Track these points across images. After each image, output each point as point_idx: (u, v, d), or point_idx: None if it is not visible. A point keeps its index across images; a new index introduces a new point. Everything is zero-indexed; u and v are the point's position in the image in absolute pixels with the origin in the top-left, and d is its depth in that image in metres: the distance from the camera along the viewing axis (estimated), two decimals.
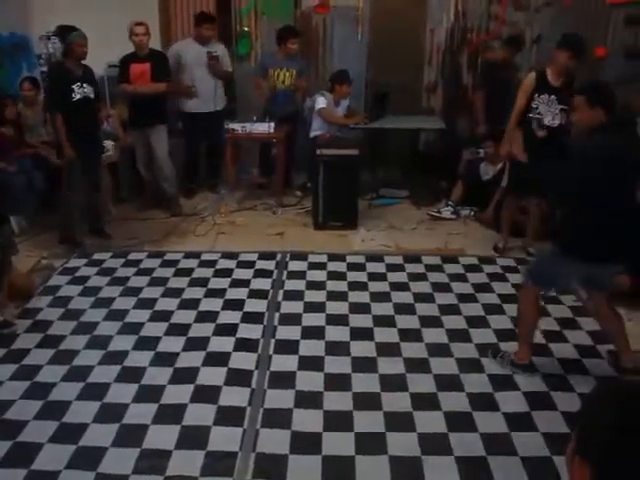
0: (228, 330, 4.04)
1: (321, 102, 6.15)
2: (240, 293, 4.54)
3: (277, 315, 4.24)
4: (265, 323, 4.14)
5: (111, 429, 3.12)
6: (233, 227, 5.90)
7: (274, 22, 6.61)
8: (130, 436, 3.07)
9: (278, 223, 5.99)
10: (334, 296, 4.50)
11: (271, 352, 3.80)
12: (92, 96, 5.22)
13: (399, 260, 5.10)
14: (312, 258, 5.11)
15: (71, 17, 5.67)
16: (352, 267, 4.97)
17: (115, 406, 3.29)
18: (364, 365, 3.67)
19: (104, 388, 3.44)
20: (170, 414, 3.24)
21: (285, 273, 4.87)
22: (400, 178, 6.85)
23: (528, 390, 3.45)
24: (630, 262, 3.55)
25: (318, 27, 7.05)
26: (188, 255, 5.18)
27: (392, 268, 4.97)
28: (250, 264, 5.01)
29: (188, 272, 4.88)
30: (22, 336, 3.98)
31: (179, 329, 4.06)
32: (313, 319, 4.18)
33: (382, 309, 4.33)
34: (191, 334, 4.00)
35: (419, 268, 4.96)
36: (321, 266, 4.98)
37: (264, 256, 5.15)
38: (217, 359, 3.72)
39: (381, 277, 4.82)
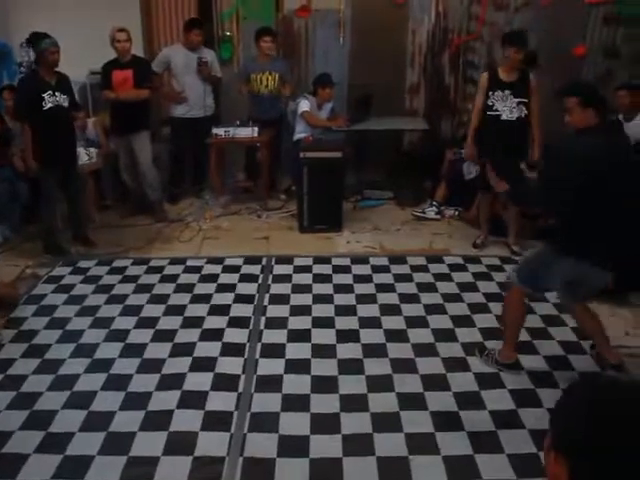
0: (214, 335, 4.03)
1: (304, 105, 6.16)
2: (226, 298, 4.53)
3: (263, 319, 4.24)
4: (251, 327, 4.14)
5: (98, 437, 3.11)
6: (218, 232, 5.89)
7: (256, 26, 6.61)
8: (117, 444, 3.07)
9: (263, 227, 5.99)
10: (320, 299, 4.51)
11: (257, 356, 3.81)
12: (65, 105, 5.15)
13: (384, 261, 5.12)
14: (297, 261, 5.12)
15: (52, 24, 5.65)
16: (337, 269, 4.98)
17: (101, 414, 3.28)
18: (350, 367, 3.68)
19: (90, 396, 3.42)
20: (157, 421, 3.23)
21: (271, 277, 4.87)
22: (384, 179, 6.87)
23: (514, 387, 3.47)
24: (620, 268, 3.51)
25: (300, 30, 7.06)
26: (173, 261, 5.17)
27: (377, 269, 4.98)
28: (236, 269, 5.01)
29: (173, 278, 4.87)
30: (7, 346, 3.96)
31: (165, 335, 4.05)
32: (299, 322, 4.19)
33: (368, 311, 4.34)
34: (177, 340, 3.99)
35: (404, 269, 4.98)
36: (307, 269, 4.98)
37: (249, 260, 5.15)
38: (203, 364, 3.71)
39: (367, 279, 4.83)
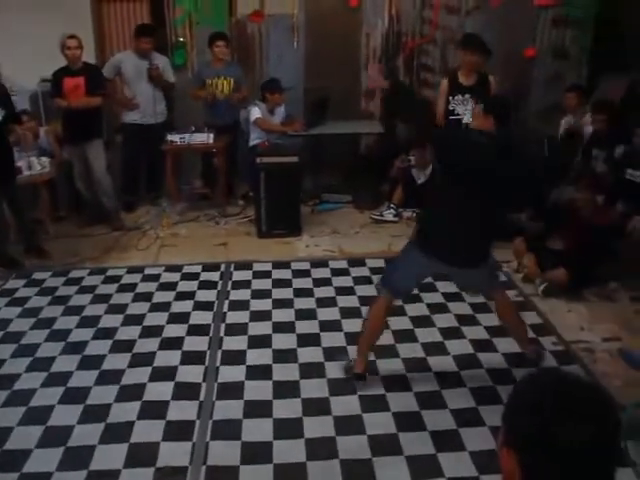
0: (174, 344, 3.99)
1: (255, 112, 6.16)
2: (185, 306, 4.49)
3: (223, 326, 4.21)
4: (211, 334, 4.10)
5: (56, 453, 3.04)
6: (176, 239, 5.83)
7: (209, 31, 6.57)
8: (76, 459, 3.01)
9: (221, 233, 5.95)
10: (280, 304, 4.50)
11: (218, 363, 3.78)
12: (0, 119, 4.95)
13: (344, 265, 5.14)
14: (257, 267, 5.10)
15: (1, 31, 5.55)
16: (297, 274, 4.98)
17: (59, 429, 3.22)
18: (312, 371, 3.68)
19: (47, 411, 3.35)
20: (117, 433, 3.18)
21: (230, 283, 4.84)
22: (342, 183, 6.89)
23: (473, 385, 3.51)
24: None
25: (254, 35, 7.05)
26: (131, 270, 5.10)
27: (337, 273, 4.99)
28: (194, 276, 4.96)
29: (131, 287, 4.80)
30: None
31: (124, 346, 3.99)
32: (259, 328, 4.17)
33: (328, 314, 4.34)
34: (136, 350, 3.94)
35: (364, 271, 5.00)
36: (266, 274, 4.97)
37: (208, 267, 5.11)
38: (164, 374, 3.67)
39: (326, 282, 4.84)
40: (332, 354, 3.85)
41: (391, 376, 3.62)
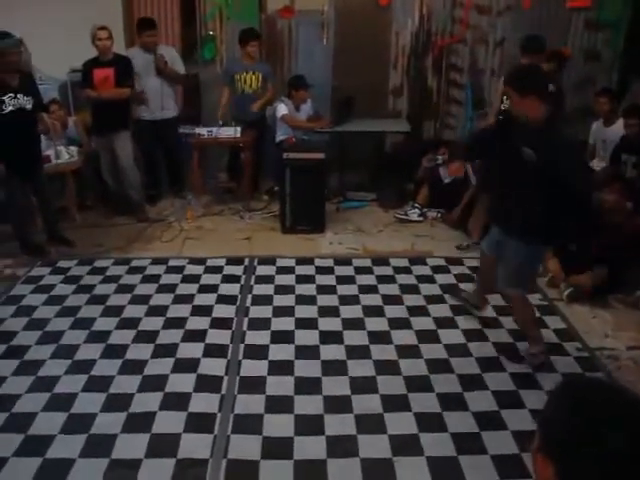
0: (197, 336, 4.00)
1: (282, 109, 6.17)
2: (208, 299, 4.50)
3: (246, 320, 4.22)
4: (234, 328, 4.11)
5: (79, 440, 3.07)
6: (200, 232, 5.85)
7: (239, 26, 6.58)
8: (98, 446, 3.03)
9: (246, 228, 5.96)
10: (303, 300, 4.49)
11: (240, 357, 3.78)
12: (29, 107, 4.94)
13: (367, 263, 5.12)
14: (280, 262, 5.10)
15: (33, 21, 5.60)
16: (320, 271, 4.98)
17: (82, 416, 3.24)
18: (334, 368, 3.67)
19: (71, 398, 3.38)
20: (139, 422, 3.20)
21: (253, 278, 4.85)
22: (367, 181, 6.88)
23: (497, 389, 3.49)
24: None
25: (283, 31, 7.05)
26: (155, 261, 5.13)
27: (360, 271, 4.98)
28: (218, 269, 4.98)
29: (155, 278, 4.83)
30: None
31: (147, 336, 4.01)
32: (282, 323, 4.17)
33: (351, 312, 4.34)
34: (159, 341, 3.96)
35: (387, 270, 4.98)
36: (289, 270, 4.97)
37: (232, 261, 5.12)
38: (186, 366, 3.68)
39: (349, 280, 4.83)
40: (354, 352, 3.84)
41: (413, 376, 3.60)
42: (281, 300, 4.50)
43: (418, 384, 3.53)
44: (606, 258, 4.53)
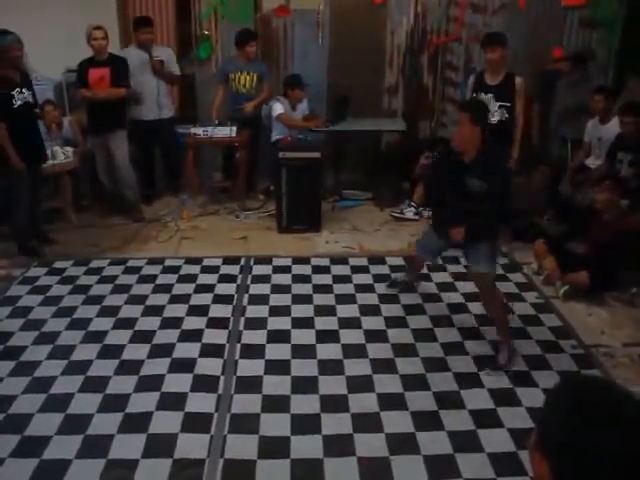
0: (193, 336, 4.00)
1: (278, 108, 6.17)
2: (205, 298, 4.50)
3: (242, 320, 4.22)
4: (230, 328, 4.11)
5: (75, 441, 3.06)
6: (196, 232, 5.85)
7: (234, 25, 6.58)
8: (95, 447, 3.03)
9: (242, 227, 5.96)
10: (299, 299, 4.50)
11: (237, 357, 3.78)
12: (32, 101, 5.11)
13: (363, 262, 5.13)
14: (276, 262, 5.10)
15: (28, 21, 5.57)
16: (317, 270, 4.98)
17: (79, 417, 3.24)
18: (330, 367, 3.68)
19: (67, 399, 3.38)
20: (136, 423, 3.20)
21: (250, 277, 4.85)
22: (363, 180, 6.88)
23: (493, 387, 3.49)
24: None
25: (278, 30, 7.04)
26: (151, 261, 5.12)
27: (356, 270, 4.98)
28: (214, 269, 4.98)
29: (152, 278, 4.83)
30: None
31: (143, 336, 4.01)
32: (278, 323, 4.18)
33: (347, 311, 4.34)
34: (156, 341, 3.95)
35: (383, 269, 4.99)
36: (285, 269, 4.97)
37: (228, 261, 5.12)
38: (183, 365, 3.68)
39: (346, 279, 4.83)
40: (350, 351, 3.85)
41: (409, 375, 3.61)
42: (277, 299, 4.50)
43: (414, 383, 3.54)
44: (601, 256, 4.54)
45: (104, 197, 6.33)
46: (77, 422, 3.20)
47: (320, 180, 5.93)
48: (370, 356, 3.79)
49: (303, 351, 3.85)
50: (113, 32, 6.28)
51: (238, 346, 3.90)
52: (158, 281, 4.79)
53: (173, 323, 4.16)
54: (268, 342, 3.95)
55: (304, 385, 3.51)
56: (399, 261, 5.11)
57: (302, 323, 4.17)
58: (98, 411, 3.29)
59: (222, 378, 3.57)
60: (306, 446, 3.04)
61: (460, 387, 3.50)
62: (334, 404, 3.35)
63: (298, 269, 4.98)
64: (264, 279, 4.81)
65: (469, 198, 3.70)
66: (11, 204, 5.18)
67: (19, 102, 4.96)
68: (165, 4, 6.93)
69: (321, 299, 4.51)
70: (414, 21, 7.00)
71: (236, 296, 4.55)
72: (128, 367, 3.68)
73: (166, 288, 4.66)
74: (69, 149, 5.99)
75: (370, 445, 3.04)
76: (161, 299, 4.50)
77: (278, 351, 3.84)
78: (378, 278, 4.84)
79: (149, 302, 4.46)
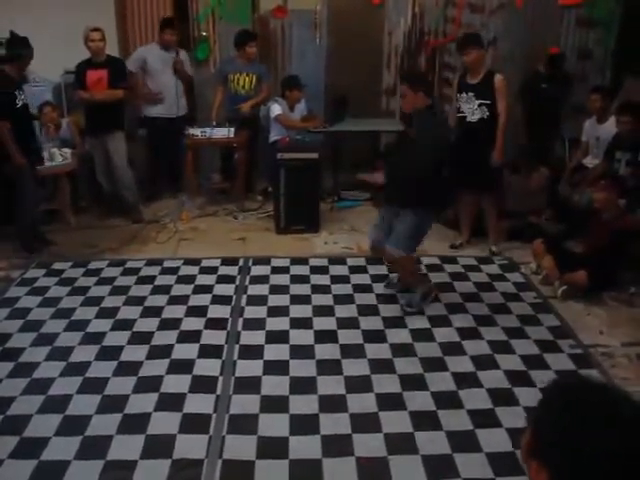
0: (192, 337, 4.00)
1: (276, 109, 6.17)
2: (203, 299, 4.51)
3: (241, 320, 4.22)
4: (229, 329, 4.12)
5: (74, 442, 3.06)
6: (195, 233, 5.86)
7: (232, 26, 6.59)
8: (93, 448, 3.02)
9: (240, 228, 5.97)
10: (297, 300, 4.50)
11: (235, 357, 3.79)
12: (27, 102, 5.21)
13: (362, 262, 5.13)
14: (275, 262, 5.11)
15: (26, 23, 5.59)
16: (315, 270, 4.98)
17: (78, 418, 3.24)
18: (329, 367, 3.68)
19: (66, 400, 3.38)
20: (134, 424, 3.20)
21: (248, 278, 4.85)
22: (361, 180, 6.87)
23: (491, 387, 3.49)
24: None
25: (276, 31, 7.05)
26: (150, 262, 5.12)
27: (355, 270, 4.99)
28: (213, 270, 4.98)
29: (150, 280, 4.83)
30: None
31: (142, 337, 4.01)
32: (277, 323, 4.18)
33: (346, 311, 4.34)
34: (154, 342, 3.96)
35: (382, 269, 4.98)
36: (284, 270, 4.97)
37: (227, 262, 5.12)
38: (181, 366, 3.68)
39: (344, 279, 4.84)
40: (348, 351, 3.85)
41: (408, 375, 3.61)
42: (276, 300, 4.50)
43: (413, 383, 3.54)
44: (600, 256, 4.54)
45: (102, 198, 6.33)
46: (76, 423, 3.20)
47: (318, 181, 5.94)
48: (368, 356, 3.80)
49: (301, 351, 3.85)
50: (111, 34, 6.29)
51: (237, 347, 3.90)
52: (157, 282, 4.79)
53: (172, 324, 4.16)
54: (267, 343, 3.95)
55: (303, 385, 3.51)
56: None
57: (300, 323, 4.18)
58: (97, 412, 3.29)
59: (221, 379, 3.57)
60: (305, 446, 3.04)
61: (458, 387, 3.50)
62: (333, 404, 3.35)
63: (296, 270, 4.99)
64: (262, 280, 4.82)
65: (407, 163, 4.12)
66: (16, 203, 5.21)
67: (21, 102, 5.05)
68: (163, 5, 6.94)
69: (319, 299, 4.51)
70: (412, 22, 7.01)
71: (235, 297, 4.55)
72: (127, 368, 3.68)
73: (165, 289, 4.66)
74: (67, 151, 5.98)
75: (368, 445, 3.05)
76: (160, 300, 4.50)
77: (277, 351, 3.85)
78: (376, 278, 4.84)
79: (148, 303, 4.46)
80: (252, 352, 3.84)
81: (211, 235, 5.80)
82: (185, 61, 6.51)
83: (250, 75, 6.41)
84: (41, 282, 4.80)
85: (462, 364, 3.72)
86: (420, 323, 4.19)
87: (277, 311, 4.34)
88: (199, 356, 3.79)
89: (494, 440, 3.08)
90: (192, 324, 4.17)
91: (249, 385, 3.51)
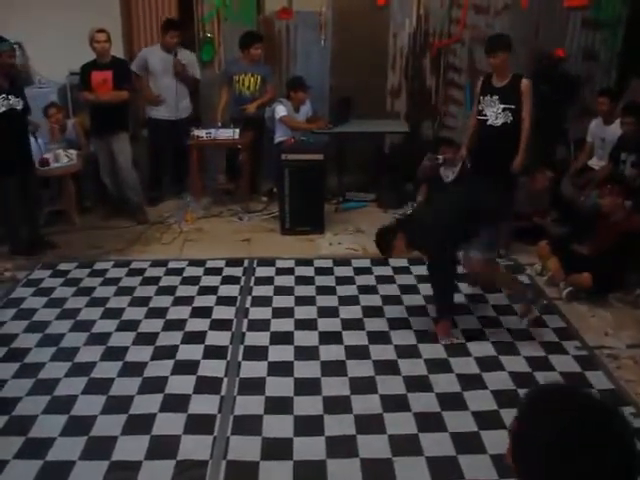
0: (196, 338, 4.01)
1: (281, 110, 6.16)
2: (208, 300, 4.51)
3: (245, 321, 4.23)
4: (234, 330, 4.12)
5: (79, 442, 3.07)
6: (200, 234, 5.86)
7: (237, 28, 6.60)
8: (99, 448, 3.04)
9: (245, 229, 5.97)
10: (302, 301, 4.50)
11: (240, 359, 3.79)
12: (19, 108, 5.08)
13: (367, 263, 5.13)
14: (279, 263, 5.11)
15: (31, 24, 5.61)
16: (320, 271, 4.98)
17: (83, 419, 3.25)
18: (333, 369, 3.68)
19: (71, 401, 3.39)
20: (139, 424, 3.21)
21: (253, 279, 4.85)
22: (366, 181, 6.88)
23: (496, 388, 3.49)
24: None
25: (281, 32, 7.05)
26: (155, 263, 5.13)
27: (360, 271, 4.99)
28: (217, 271, 4.99)
29: (155, 280, 4.83)
30: None
31: (147, 338, 4.02)
32: (281, 324, 4.18)
33: (350, 312, 4.35)
34: (159, 343, 3.96)
35: (387, 271, 4.98)
36: (289, 271, 4.98)
37: (231, 263, 5.13)
38: (186, 367, 3.69)
39: (349, 281, 4.83)
40: (353, 352, 3.85)
41: (412, 376, 3.61)
42: (280, 301, 4.50)
43: (417, 384, 3.54)
44: (605, 257, 4.53)
45: (107, 199, 6.34)
46: (81, 423, 3.21)
47: (323, 182, 5.94)
48: (373, 357, 3.80)
49: (306, 353, 3.85)
50: (116, 35, 6.30)
51: (241, 348, 3.91)
52: (162, 283, 4.80)
53: (176, 325, 4.17)
54: (271, 344, 3.95)
55: (307, 386, 3.51)
56: (402, 263, 5.09)
57: (305, 325, 4.18)
58: (102, 413, 3.30)
59: (225, 380, 3.58)
60: (309, 447, 3.04)
61: (463, 388, 3.50)
62: (337, 405, 3.35)
63: (301, 271, 4.99)
64: (267, 281, 4.82)
65: None
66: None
67: (3, 108, 4.95)
68: (168, 7, 6.95)
69: (324, 301, 4.51)
70: (416, 23, 7.00)
71: (239, 298, 4.56)
72: (132, 369, 3.69)
73: (170, 290, 4.67)
74: (72, 152, 5.99)
75: (373, 446, 3.05)
76: (164, 301, 4.51)
77: (281, 353, 3.85)
78: (381, 280, 4.84)
79: (153, 304, 4.47)
80: (257, 353, 3.85)
81: (216, 236, 5.81)
82: (191, 63, 6.49)
83: (255, 76, 6.41)
84: (47, 283, 4.81)
85: (467, 366, 3.72)
86: (425, 324, 4.18)
87: (282, 312, 4.34)
88: (204, 357, 3.80)
89: (499, 442, 3.06)
90: (197, 325, 4.17)
91: (254, 386, 3.52)
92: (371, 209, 6.54)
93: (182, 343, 3.95)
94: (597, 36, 6.87)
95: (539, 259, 5.04)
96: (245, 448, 3.04)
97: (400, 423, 3.21)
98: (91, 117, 6.11)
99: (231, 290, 4.67)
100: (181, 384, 3.53)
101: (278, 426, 3.19)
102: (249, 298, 4.55)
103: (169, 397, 3.41)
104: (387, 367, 3.70)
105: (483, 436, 3.12)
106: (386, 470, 2.91)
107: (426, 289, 4.66)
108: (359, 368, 3.68)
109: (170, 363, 3.73)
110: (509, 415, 3.20)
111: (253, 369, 3.68)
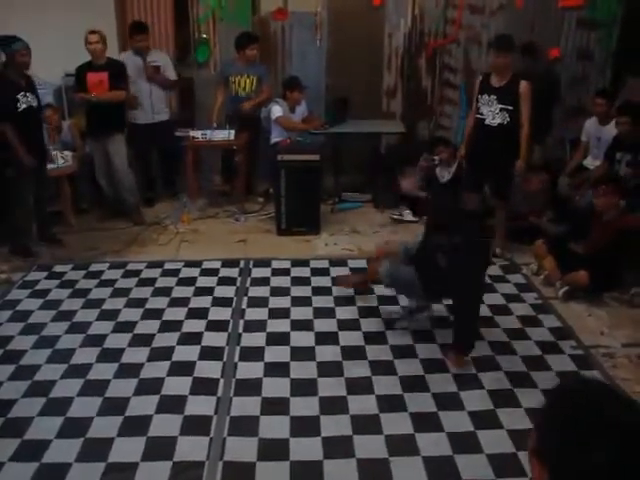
0: (193, 339, 4.01)
1: (277, 111, 6.15)
2: (204, 301, 4.51)
3: (241, 322, 4.22)
4: (230, 330, 4.12)
5: (75, 444, 3.07)
6: (196, 235, 5.86)
7: (232, 28, 6.60)
8: (95, 450, 3.03)
9: (241, 230, 5.97)
10: (298, 301, 4.50)
11: (236, 359, 3.79)
12: (35, 105, 5.21)
13: (363, 264, 5.11)
14: (275, 264, 5.11)
15: (27, 25, 5.58)
16: (316, 272, 4.98)
17: (79, 420, 3.24)
18: (330, 369, 3.68)
19: (67, 403, 3.38)
20: (136, 426, 3.20)
21: (249, 280, 4.85)
22: (362, 182, 6.88)
23: (492, 388, 3.49)
24: None
25: (276, 33, 7.05)
26: (151, 265, 5.12)
27: (356, 272, 4.97)
28: (214, 272, 4.98)
29: (151, 282, 4.83)
30: None
31: (143, 339, 4.01)
32: (278, 325, 4.18)
33: (347, 313, 4.35)
34: (155, 344, 3.96)
35: None
36: (285, 272, 4.97)
37: (227, 263, 5.12)
38: (182, 368, 3.69)
39: None
40: (349, 353, 3.85)
41: (409, 376, 3.61)
42: (277, 302, 4.50)
43: (414, 384, 3.54)
44: (601, 256, 4.54)
45: (103, 200, 6.33)
46: (77, 425, 3.20)
47: (319, 182, 5.94)
48: (369, 358, 3.80)
49: (302, 353, 3.85)
50: (111, 36, 6.28)
51: (237, 349, 3.91)
52: (158, 284, 4.79)
53: (173, 326, 4.17)
54: (267, 344, 3.95)
55: (303, 387, 3.51)
56: None
57: (301, 325, 4.18)
58: (98, 414, 3.29)
59: (221, 381, 3.57)
60: (305, 448, 3.04)
61: (459, 388, 3.50)
62: (333, 406, 3.35)
63: (297, 271, 4.99)
64: (263, 282, 4.82)
65: None
66: (12, 203, 5.21)
67: (24, 105, 5.06)
68: (163, 8, 6.94)
69: (320, 301, 4.51)
70: (412, 23, 7.01)
71: (235, 299, 4.55)
72: (128, 370, 3.68)
73: (166, 291, 4.66)
74: (68, 153, 5.99)
75: (369, 447, 3.05)
76: (161, 302, 4.50)
77: (277, 353, 3.85)
78: (377, 280, 4.83)
79: (149, 305, 4.47)
80: (253, 354, 3.84)
81: (212, 237, 5.80)
82: (165, 65, 6.41)
83: (251, 77, 6.40)
84: (42, 284, 4.80)
85: (464, 365, 3.72)
86: (420, 324, 4.18)
87: (278, 313, 4.34)
88: (200, 358, 3.79)
89: (495, 441, 3.08)
90: (193, 326, 4.17)
91: (250, 387, 3.51)
92: (367, 209, 6.54)
93: (178, 344, 3.95)
94: (592, 36, 6.88)
95: (535, 258, 5.04)
96: (242, 449, 3.04)
97: (396, 423, 3.22)
98: (87, 118, 6.08)
99: (227, 291, 4.67)
100: (177, 385, 3.52)
101: (274, 427, 3.19)
102: (245, 299, 4.55)
103: (165, 398, 3.41)
104: (383, 367, 3.70)
105: (479, 436, 3.12)
106: (383, 470, 2.91)
107: None
108: (355, 368, 3.68)
109: (166, 364, 3.73)
110: (505, 415, 3.24)
111: (249, 370, 3.68)
